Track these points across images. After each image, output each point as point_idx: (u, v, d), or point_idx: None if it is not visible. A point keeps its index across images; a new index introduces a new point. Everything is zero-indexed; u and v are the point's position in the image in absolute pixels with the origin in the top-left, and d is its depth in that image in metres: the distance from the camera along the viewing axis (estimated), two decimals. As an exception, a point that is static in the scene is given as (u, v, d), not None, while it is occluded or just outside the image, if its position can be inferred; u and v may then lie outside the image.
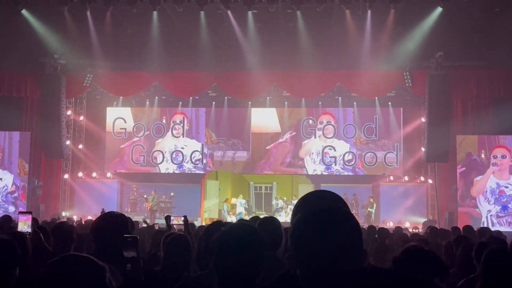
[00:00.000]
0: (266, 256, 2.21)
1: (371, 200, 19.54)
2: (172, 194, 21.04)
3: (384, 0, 15.95)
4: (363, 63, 17.91)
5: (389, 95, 20.09)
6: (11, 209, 17.33)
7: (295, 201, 14.66)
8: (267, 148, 21.45)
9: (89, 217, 14.64)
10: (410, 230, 14.41)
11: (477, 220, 16.25)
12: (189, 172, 21.43)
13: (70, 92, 19.10)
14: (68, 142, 19.57)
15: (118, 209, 19.10)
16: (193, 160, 21.44)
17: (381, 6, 16.30)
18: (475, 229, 8.35)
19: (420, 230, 14.53)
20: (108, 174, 21.30)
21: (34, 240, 4.15)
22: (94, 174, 20.90)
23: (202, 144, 21.51)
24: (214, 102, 21.46)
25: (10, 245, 2.58)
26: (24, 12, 17.05)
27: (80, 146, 20.74)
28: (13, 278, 2.54)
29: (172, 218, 6.76)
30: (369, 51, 17.72)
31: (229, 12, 17.03)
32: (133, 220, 7.00)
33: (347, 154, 20.96)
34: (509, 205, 16.80)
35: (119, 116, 21.63)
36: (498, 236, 6.35)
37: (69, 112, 19.88)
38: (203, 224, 13.26)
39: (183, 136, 21.62)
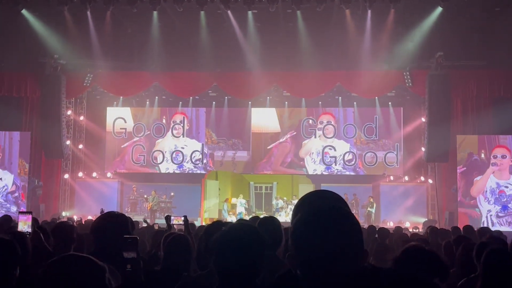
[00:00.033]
0: (266, 256, 2.22)
1: (371, 199, 19.54)
2: (172, 194, 21.03)
3: (384, 0, 15.95)
4: (363, 63, 17.90)
5: (389, 95, 20.09)
6: (13, 209, 17.33)
7: (295, 201, 14.65)
8: (268, 147, 21.45)
9: (89, 217, 14.64)
10: (410, 230, 14.42)
11: (476, 221, 16.24)
12: (189, 172, 21.44)
13: (70, 92, 19.10)
14: (68, 142, 19.57)
15: (118, 209, 19.09)
16: (193, 160, 21.44)
17: (381, 6, 16.30)
18: (475, 229, 8.35)
19: (420, 230, 14.53)
20: (108, 174, 21.30)
21: (34, 240, 4.15)
22: (94, 174, 20.90)
23: (202, 144, 21.51)
24: (214, 102, 21.46)
25: (10, 245, 2.58)
26: (24, 12, 17.04)
27: (80, 146, 20.74)
28: (13, 278, 2.54)
29: (172, 218, 6.76)
30: (369, 51, 17.71)
31: (229, 12, 17.03)
32: (133, 220, 7.00)
33: (347, 154, 20.96)
34: (509, 205, 16.79)
35: (119, 116, 21.63)
36: (498, 236, 6.35)
37: (69, 112, 19.88)
38: (203, 224, 13.26)
39: (183, 136, 21.62)
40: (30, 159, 18.40)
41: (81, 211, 19.09)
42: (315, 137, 21.23)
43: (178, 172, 21.47)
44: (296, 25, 17.72)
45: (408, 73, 18.02)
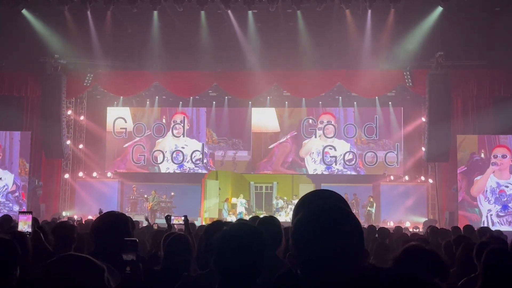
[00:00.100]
0: (266, 256, 2.21)
1: (371, 199, 19.54)
2: (172, 193, 21.02)
3: (384, -1, 15.97)
4: (363, 63, 17.90)
5: (389, 94, 20.08)
6: (16, 208, 17.36)
7: (295, 201, 14.66)
8: (269, 147, 21.45)
9: (90, 217, 14.65)
10: (411, 229, 14.43)
11: (476, 223, 16.24)
12: (189, 171, 21.43)
13: (70, 92, 19.10)
14: (68, 142, 19.57)
15: (119, 209, 19.10)
16: (194, 160, 21.44)
17: (381, 6, 16.31)
18: (475, 229, 8.35)
19: (421, 230, 14.54)
20: (109, 174, 21.31)
21: (34, 240, 4.15)
22: (94, 174, 20.91)
23: (203, 144, 21.51)
24: (214, 102, 21.46)
25: (10, 245, 2.58)
26: (24, 12, 17.06)
27: (81, 146, 20.75)
28: (13, 278, 2.54)
29: (172, 217, 6.76)
30: (369, 50, 17.71)
31: (229, 11, 17.04)
32: (134, 220, 7.00)
33: (348, 153, 20.96)
34: (510, 205, 16.80)
35: (119, 116, 21.63)
36: (499, 236, 6.36)
37: (69, 112, 19.88)
38: (203, 224, 13.26)
39: (183, 136, 21.61)
40: (30, 159, 18.40)
41: (81, 211, 19.09)
42: (315, 137, 21.22)
43: (179, 172, 21.47)
44: (296, 25, 17.73)
45: (408, 72, 18.01)
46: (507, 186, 16.89)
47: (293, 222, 1.67)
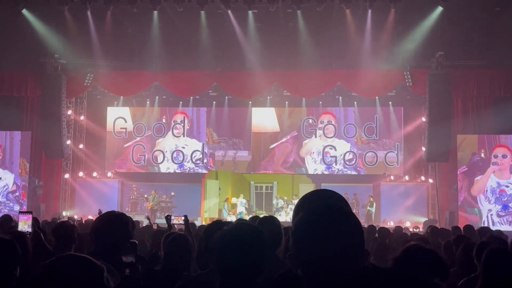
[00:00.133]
0: (266, 256, 2.21)
1: (371, 199, 19.54)
2: (172, 193, 21.03)
3: (384, -1, 15.96)
4: (364, 63, 17.90)
5: (389, 94, 20.08)
6: (16, 207, 17.37)
7: (295, 201, 14.65)
8: (270, 147, 21.46)
9: (90, 217, 14.64)
10: (411, 229, 14.43)
11: (476, 224, 16.24)
12: (189, 171, 21.43)
13: (70, 92, 19.10)
14: (68, 142, 19.57)
15: (119, 209, 19.10)
16: (194, 160, 21.44)
17: (381, 6, 16.30)
18: (475, 229, 8.35)
19: (421, 230, 14.54)
20: (109, 174, 21.31)
21: (34, 240, 4.15)
22: (94, 174, 20.91)
23: (203, 144, 21.51)
24: (214, 102, 21.46)
25: (10, 245, 2.58)
26: (24, 11, 17.05)
27: (81, 146, 20.75)
28: (13, 278, 2.54)
29: (172, 217, 6.76)
30: (370, 50, 17.71)
31: (229, 11, 17.04)
32: (134, 219, 7.00)
33: (348, 153, 20.96)
34: (510, 204, 16.80)
35: (119, 116, 21.64)
36: (499, 236, 6.35)
37: (69, 112, 19.88)
38: (204, 223, 13.26)
39: (183, 136, 21.62)
40: (31, 158, 18.41)
41: (81, 211, 19.09)
42: (316, 136, 21.23)
43: (179, 172, 21.47)
44: (297, 25, 17.73)
45: (408, 72, 18.00)
46: (507, 186, 16.89)
47: (294, 222, 1.67)
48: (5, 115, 18.63)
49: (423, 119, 19.04)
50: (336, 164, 21.02)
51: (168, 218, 6.56)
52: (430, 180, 19.49)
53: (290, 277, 1.67)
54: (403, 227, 11.49)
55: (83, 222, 10.34)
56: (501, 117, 17.47)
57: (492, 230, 8.85)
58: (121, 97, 21.01)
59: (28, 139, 18.39)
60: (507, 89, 17.68)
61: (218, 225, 3.84)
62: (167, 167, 21.49)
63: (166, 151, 21.50)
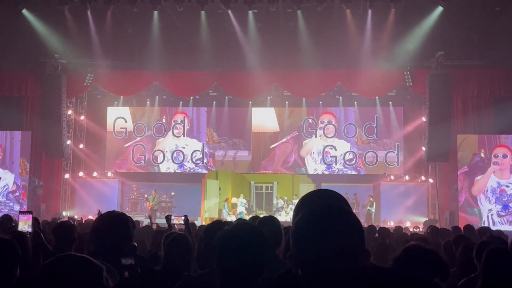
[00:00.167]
0: (266, 256, 2.21)
1: (371, 199, 19.55)
2: (172, 193, 21.03)
3: (384, -1, 15.96)
4: (364, 63, 17.90)
5: (389, 94, 20.09)
6: (16, 207, 17.38)
7: (295, 201, 14.63)
8: (271, 147, 21.46)
9: (90, 217, 14.64)
10: (411, 229, 14.44)
11: (475, 224, 16.25)
12: (190, 171, 21.43)
13: (70, 92, 19.10)
14: (68, 142, 19.58)
15: (119, 209, 19.09)
16: (194, 160, 21.44)
17: (381, 6, 16.30)
18: (476, 229, 8.35)
19: (421, 230, 14.54)
20: (109, 174, 21.31)
21: (34, 240, 4.15)
22: (94, 174, 20.91)
23: (203, 144, 21.51)
24: (214, 102, 21.46)
25: (10, 245, 2.58)
26: (24, 11, 17.05)
27: (81, 146, 20.75)
28: (13, 278, 2.54)
29: (172, 217, 6.75)
30: (370, 50, 17.71)
31: (229, 11, 17.03)
32: (134, 219, 7.00)
33: (348, 153, 20.96)
34: (510, 204, 16.80)
35: (119, 116, 21.64)
36: (499, 236, 6.35)
37: (69, 112, 19.89)
38: (204, 223, 13.26)
39: (184, 136, 21.62)
40: (31, 158, 18.41)
41: (81, 210, 19.08)
42: (316, 136, 21.23)
43: (179, 171, 21.47)
44: (297, 25, 17.72)
45: (408, 72, 18.01)
46: (507, 186, 16.89)
47: (294, 222, 1.67)
48: (5, 115, 18.63)
49: (423, 119, 19.05)
50: (336, 164, 21.02)
51: (168, 218, 6.56)
52: (430, 180, 19.49)
53: (290, 277, 1.67)
54: (403, 227, 11.48)
55: (83, 222, 10.33)
56: (501, 117, 17.48)
57: (492, 230, 8.85)
58: (121, 97, 21.02)
59: (28, 139, 18.39)
60: (507, 89, 17.69)
61: (218, 225, 3.84)
62: (167, 167, 21.49)
63: (166, 151, 21.50)
